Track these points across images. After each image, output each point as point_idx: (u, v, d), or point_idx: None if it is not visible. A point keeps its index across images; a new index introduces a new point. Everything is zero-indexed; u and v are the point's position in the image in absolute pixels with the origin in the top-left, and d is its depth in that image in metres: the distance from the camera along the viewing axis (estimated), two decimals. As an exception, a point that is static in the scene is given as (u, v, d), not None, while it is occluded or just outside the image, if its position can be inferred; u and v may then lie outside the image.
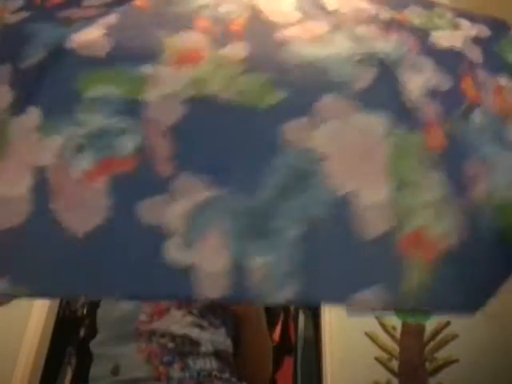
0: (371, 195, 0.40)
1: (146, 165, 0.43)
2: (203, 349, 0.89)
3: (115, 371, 0.82)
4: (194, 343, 0.89)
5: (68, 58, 0.49)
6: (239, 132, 0.45)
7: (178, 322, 0.89)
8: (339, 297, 0.39)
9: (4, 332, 2.20)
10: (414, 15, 0.60)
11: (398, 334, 2.18)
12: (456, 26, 0.60)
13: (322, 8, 0.57)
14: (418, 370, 2.11)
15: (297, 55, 0.49)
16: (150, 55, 0.48)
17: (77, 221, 0.41)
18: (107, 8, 0.54)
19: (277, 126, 0.43)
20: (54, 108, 0.46)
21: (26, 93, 0.47)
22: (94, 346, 0.88)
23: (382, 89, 0.48)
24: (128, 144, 0.44)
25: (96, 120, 0.44)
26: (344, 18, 0.56)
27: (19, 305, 2.27)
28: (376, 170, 0.42)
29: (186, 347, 0.88)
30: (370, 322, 2.19)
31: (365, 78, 0.47)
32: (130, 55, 0.49)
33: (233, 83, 0.46)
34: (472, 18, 0.63)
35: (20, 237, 0.41)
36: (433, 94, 0.49)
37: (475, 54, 0.57)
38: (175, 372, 0.83)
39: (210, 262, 0.37)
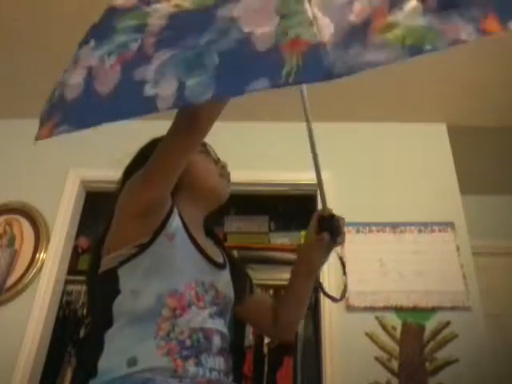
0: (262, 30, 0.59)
1: None
2: (214, 347, 0.93)
3: (132, 363, 0.82)
4: (208, 340, 0.92)
5: None
6: None
7: (198, 317, 0.93)
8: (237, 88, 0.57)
9: (4, 332, 2.20)
10: None
11: (397, 334, 2.18)
12: None
13: None
14: (418, 369, 2.11)
15: None
16: None
17: None
18: None
19: None
20: None
21: None
22: (109, 336, 0.87)
23: None
24: None
25: None
26: None
27: (19, 305, 2.27)
28: (268, 13, 0.61)
29: (201, 344, 0.90)
30: (370, 322, 2.19)
31: None
32: None
33: None
34: None
35: None
36: None
37: None
38: (190, 366, 0.86)
39: None
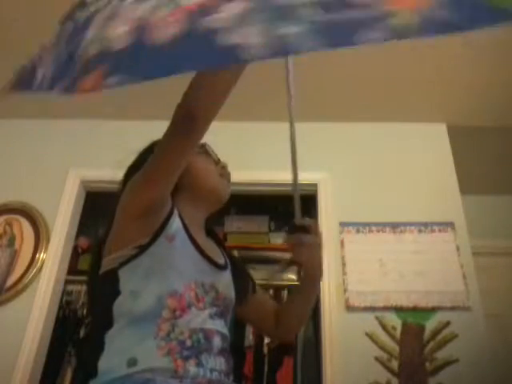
0: None
1: None
2: (215, 348, 0.93)
3: (132, 363, 0.83)
4: (208, 341, 0.92)
5: None
6: None
7: (198, 318, 0.92)
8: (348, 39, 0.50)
9: (4, 332, 2.20)
10: None
11: (398, 334, 2.18)
12: None
13: None
14: (417, 369, 2.11)
15: None
16: None
17: None
18: None
19: None
20: None
21: None
22: (109, 337, 0.88)
23: None
24: None
25: None
26: None
27: (19, 305, 2.27)
28: None
29: (201, 345, 0.90)
30: (370, 322, 2.20)
31: None
32: None
33: None
34: None
35: None
36: None
37: None
38: (191, 366, 0.86)
39: None
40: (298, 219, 1.04)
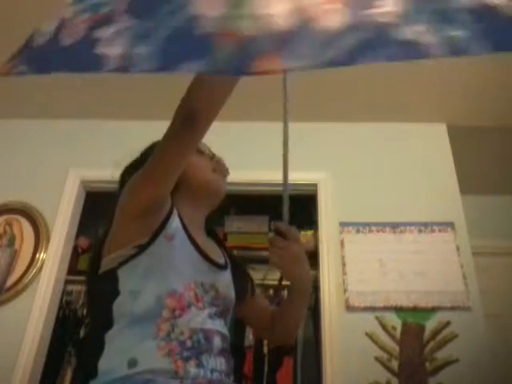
0: None
1: None
2: (215, 348, 0.93)
3: (132, 364, 0.82)
4: (208, 341, 0.92)
5: None
6: None
7: (197, 317, 0.92)
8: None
9: (4, 332, 2.20)
10: None
11: (398, 334, 2.18)
12: None
13: None
14: (417, 369, 2.11)
15: None
16: None
17: None
18: None
19: None
20: None
21: None
22: (109, 337, 0.87)
23: None
24: None
25: None
26: None
27: (19, 305, 2.27)
28: None
29: (201, 345, 0.90)
30: (370, 322, 2.20)
31: None
32: None
33: None
34: None
35: None
36: None
37: None
38: (191, 367, 0.86)
39: None
40: (277, 222, 1.01)
